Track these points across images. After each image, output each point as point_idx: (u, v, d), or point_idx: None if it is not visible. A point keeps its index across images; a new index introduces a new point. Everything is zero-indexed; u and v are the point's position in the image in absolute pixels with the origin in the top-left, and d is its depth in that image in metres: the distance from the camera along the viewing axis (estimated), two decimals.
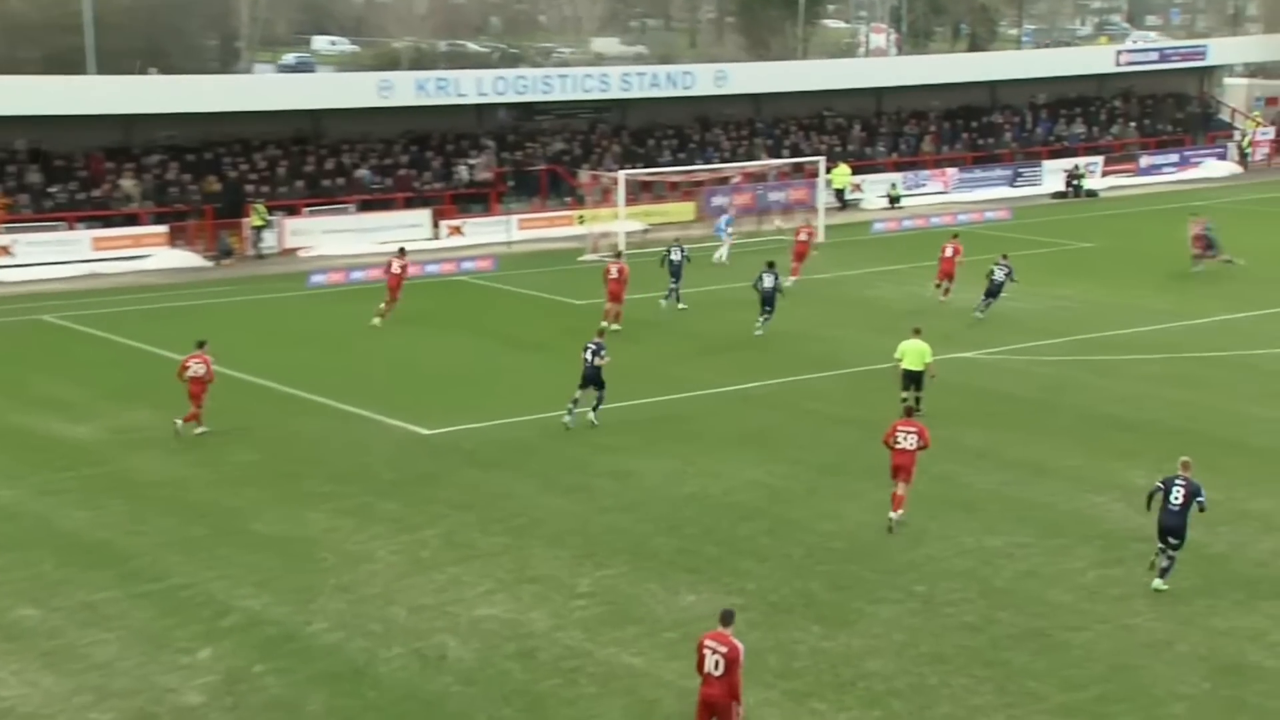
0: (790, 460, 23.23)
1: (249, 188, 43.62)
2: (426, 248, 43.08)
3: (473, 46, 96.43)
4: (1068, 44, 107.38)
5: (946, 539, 19.73)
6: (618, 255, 34.22)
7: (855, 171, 52.09)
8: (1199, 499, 17.82)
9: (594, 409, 24.82)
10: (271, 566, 18.86)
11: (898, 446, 20.12)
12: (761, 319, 31.59)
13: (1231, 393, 27.07)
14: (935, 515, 20.51)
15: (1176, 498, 17.83)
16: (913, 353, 25.01)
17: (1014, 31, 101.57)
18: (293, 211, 43.86)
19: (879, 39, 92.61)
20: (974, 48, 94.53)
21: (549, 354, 30.71)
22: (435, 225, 45.14)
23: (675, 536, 19.85)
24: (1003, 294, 33.06)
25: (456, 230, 44.67)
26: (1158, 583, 17.98)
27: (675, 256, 34.36)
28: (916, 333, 25.45)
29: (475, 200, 47.03)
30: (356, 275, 38.98)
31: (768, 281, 31.54)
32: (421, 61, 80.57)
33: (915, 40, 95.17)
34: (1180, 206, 50.73)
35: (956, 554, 19.24)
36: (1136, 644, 16.68)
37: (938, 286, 34.96)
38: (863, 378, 28.28)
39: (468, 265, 40.21)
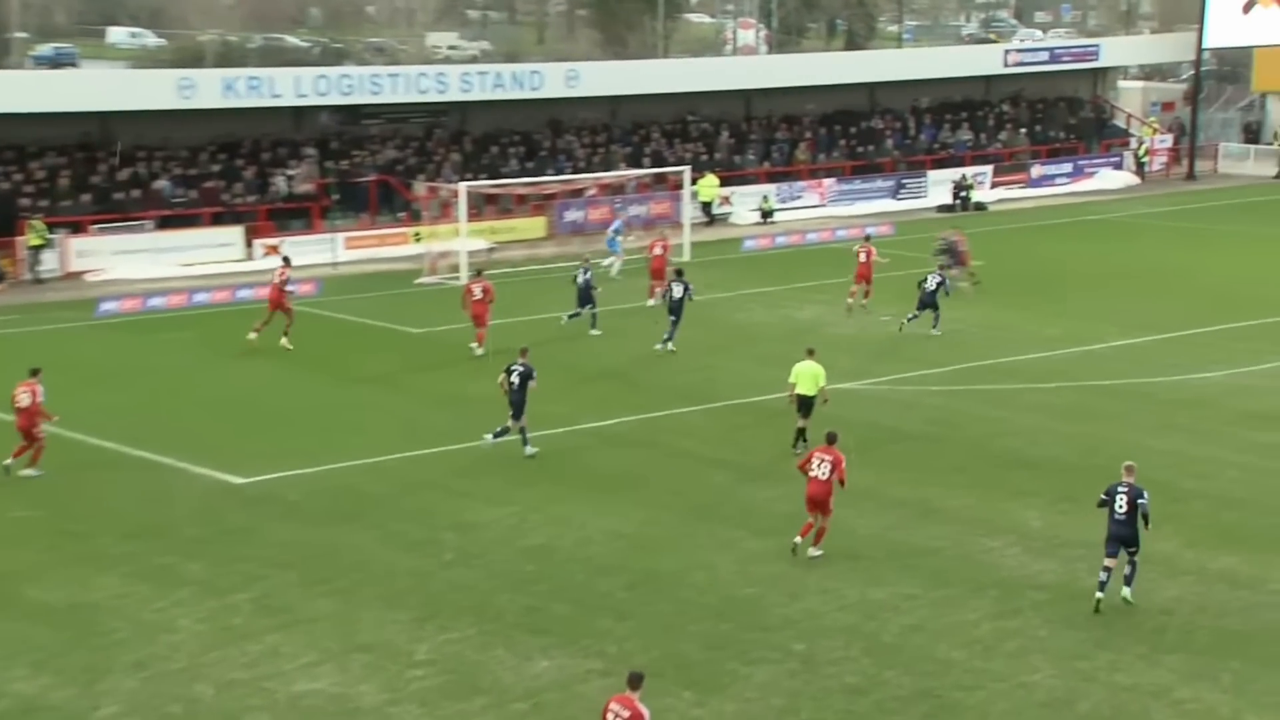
0: (656, 505, 23.32)
1: (24, 201, 42.47)
2: (238, 270, 42.35)
3: (290, 40, 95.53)
4: (952, 43, 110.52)
5: (827, 591, 19.98)
6: (478, 274, 34.31)
7: (724, 183, 52.69)
8: (1141, 501, 19.03)
9: (523, 442, 25.29)
10: (52, 642, 18.29)
11: (811, 474, 20.61)
12: (666, 335, 32.74)
13: (1128, 424, 27.97)
14: (815, 565, 20.77)
15: (1121, 506, 19.11)
16: (806, 376, 25.47)
17: (894, 28, 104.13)
18: (78, 229, 42.78)
19: (747, 35, 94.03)
20: (851, 46, 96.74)
21: (384, 388, 30.42)
22: (248, 244, 44.43)
23: (525, 594, 19.78)
24: (939, 305, 34.50)
25: (273, 250, 43.91)
26: (1117, 593, 19.06)
27: (580, 279, 34.75)
28: (810, 353, 25.94)
29: (295, 216, 46.45)
30: (155, 302, 38.17)
31: (676, 291, 32.70)
32: (230, 57, 79.53)
33: (787, 37, 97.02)
34: (1074, 221, 52.46)
35: (838, 608, 19.50)
36: (1035, 704, 17.07)
37: (852, 296, 36.78)
38: (735, 412, 28.55)
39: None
